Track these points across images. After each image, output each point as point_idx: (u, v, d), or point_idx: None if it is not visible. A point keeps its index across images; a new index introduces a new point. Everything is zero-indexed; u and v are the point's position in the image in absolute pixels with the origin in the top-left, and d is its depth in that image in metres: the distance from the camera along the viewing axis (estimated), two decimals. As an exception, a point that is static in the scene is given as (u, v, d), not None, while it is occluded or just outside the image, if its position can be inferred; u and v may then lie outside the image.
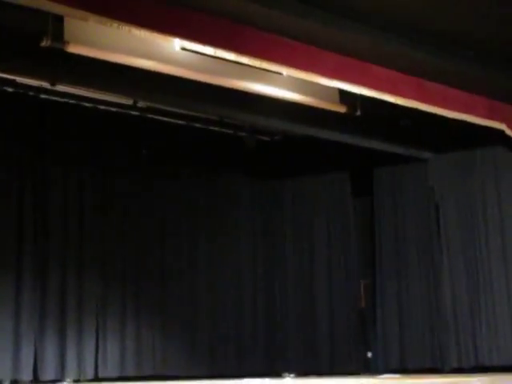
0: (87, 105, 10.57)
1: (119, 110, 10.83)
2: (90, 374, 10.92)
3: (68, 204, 11.17)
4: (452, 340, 11.82)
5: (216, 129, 12.06)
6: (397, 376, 11.19)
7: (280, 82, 9.51)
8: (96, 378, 10.89)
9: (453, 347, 11.79)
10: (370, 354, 12.68)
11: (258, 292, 13.04)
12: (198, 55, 8.31)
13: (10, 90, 9.89)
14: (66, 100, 10.35)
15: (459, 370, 11.57)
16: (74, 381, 10.70)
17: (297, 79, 8.87)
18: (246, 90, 9.45)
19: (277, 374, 12.17)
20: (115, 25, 6.89)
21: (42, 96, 10.16)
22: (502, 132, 10.41)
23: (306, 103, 10.05)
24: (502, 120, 10.30)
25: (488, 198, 11.88)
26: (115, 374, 11.13)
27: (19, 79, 9.66)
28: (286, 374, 12.20)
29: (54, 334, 10.70)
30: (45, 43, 7.62)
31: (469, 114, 9.96)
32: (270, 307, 13.08)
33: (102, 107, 10.67)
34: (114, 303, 11.42)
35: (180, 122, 11.58)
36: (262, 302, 13.05)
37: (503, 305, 11.49)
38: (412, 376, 10.88)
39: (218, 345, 12.34)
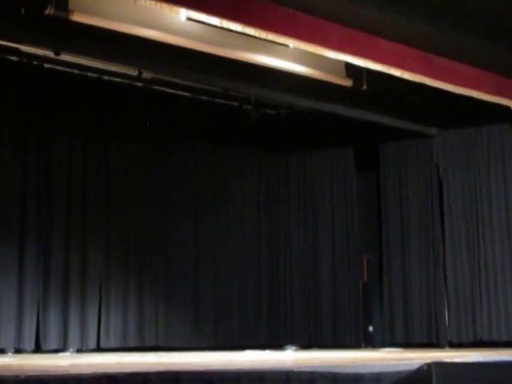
0: (91, 75, 10.51)
1: (124, 80, 10.77)
2: (93, 344, 10.95)
3: (71, 174, 11.15)
4: (452, 315, 11.85)
5: (221, 101, 11.99)
6: (397, 350, 11.21)
7: (286, 55, 9.45)
8: (98, 349, 10.92)
9: (452, 322, 11.84)
10: (371, 328, 12.71)
11: (261, 265, 13.04)
12: (204, 26, 8.26)
13: (14, 59, 9.84)
14: (70, 70, 10.30)
15: (458, 345, 11.61)
16: (77, 351, 10.72)
17: (303, 52, 8.81)
18: (252, 62, 9.40)
19: (279, 347, 12.20)
20: (120, -6, 6.84)
21: (46, 65, 10.11)
22: (508, 109, 10.36)
23: (313, 76, 10.00)
24: (509, 97, 10.24)
25: (493, 175, 11.85)
26: (118, 345, 11.15)
27: (23, 48, 9.60)
28: (288, 347, 12.24)
29: (56, 304, 10.72)
30: (49, 11, 7.56)
31: (476, 91, 9.89)
32: (273, 280, 13.10)
33: (106, 77, 10.61)
34: (117, 274, 11.43)
35: (185, 93, 11.52)
36: (266, 275, 13.06)
37: (505, 281, 11.51)
38: (412, 350, 10.90)
39: (220, 317, 12.36)
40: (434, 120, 12.27)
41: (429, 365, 6.70)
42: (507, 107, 10.33)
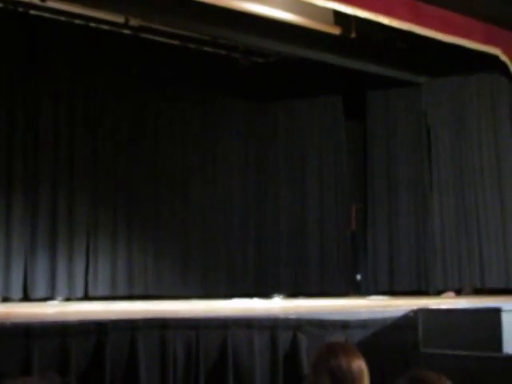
0: (78, 22, 10.38)
1: (111, 27, 10.65)
2: (81, 292, 10.97)
3: (58, 123, 11.07)
4: (439, 263, 11.91)
5: (209, 49, 11.89)
6: (385, 297, 11.31)
7: (275, 2, 9.36)
8: (86, 297, 10.95)
9: (439, 270, 11.91)
10: (359, 277, 12.80)
11: (249, 215, 13.04)
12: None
13: (-2, 5, 9.72)
14: (56, 16, 10.17)
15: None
16: (65, 299, 10.75)
17: (291, -1, 8.73)
18: (241, 9, 9.30)
19: (266, 295, 12.26)
20: None
21: (32, 12, 9.97)
22: (497, 58, 10.33)
23: (301, 24, 9.92)
24: (497, 45, 10.20)
25: (482, 123, 11.81)
26: (106, 293, 11.17)
27: (8, -6, 9.48)
28: (275, 295, 12.30)
29: (44, 252, 10.72)
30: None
31: (465, 39, 9.84)
32: (261, 229, 13.11)
33: (93, 24, 10.49)
34: (106, 222, 11.40)
35: (173, 41, 11.41)
36: (254, 224, 13.06)
37: (493, 230, 11.54)
38: (399, 297, 11.01)
39: (209, 266, 12.38)
40: (422, 68, 12.20)
41: (415, 311, 6.79)
42: (496, 56, 10.29)
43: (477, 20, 9.77)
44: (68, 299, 10.74)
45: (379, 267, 12.46)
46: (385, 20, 8.95)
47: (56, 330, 4.91)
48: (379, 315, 6.88)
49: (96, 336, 5.07)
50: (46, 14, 10.11)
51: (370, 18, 8.88)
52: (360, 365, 3.24)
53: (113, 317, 5.45)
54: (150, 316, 5.65)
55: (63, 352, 4.88)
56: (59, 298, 10.65)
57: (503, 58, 10.53)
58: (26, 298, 10.42)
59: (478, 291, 11.39)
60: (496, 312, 6.14)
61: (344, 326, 6.48)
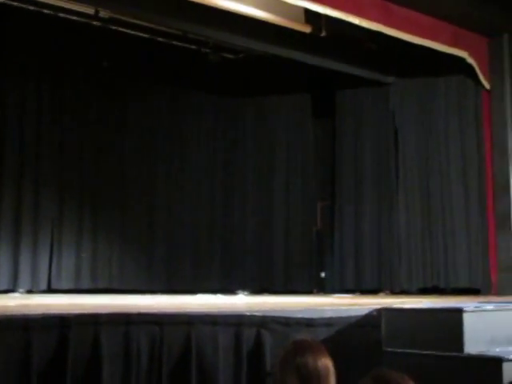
0: (47, 12, 10.28)
1: (80, 18, 10.56)
2: (44, 285, 10.88)
3: (25, 116, 10.97)
4: (404, 263, 11.98)
5: (179, 44, 11.85)
6: (349, 296, 11.36)
7: (246, -1, 9.37)
8: (49, 290, 10.86)
9: (404, 270, 11.98)
10: (323, 274, 12.83)
11: (215, 210, 13.03)
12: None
13: (-35, -6, 9.59)
14: (24, 6, 10.06)
15: (410, 293, 11.76)
16: (27, 292, 10.64)
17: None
18: (212, 5, 9.29)
19: (231, 292, 12.26)
20: None
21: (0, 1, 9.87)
22: (464, 60, 10.44)
23: (272, 21, 9.93)
24: (464, 47, 10.31)
25: (450, 125, 11.87)
26: (70, 286, 11.09)
27: (-25, -18, 9.36)
28: (240, 292, 12.31)
29: (7, 244, 10.61)
30: None
31: (433, 41, 9.94)
32: (226, 226, 13.11)
33: (62, 15, 10.39)
34: (71, 215, 11.33)
35: (143, 34, 11.35)
36: (220, 220, 13.05)
37: (458, 230, 11.62)
38: (364, 296, 11.05)
39: (174, 261, 12.36)
40: (391, 68, 12.26)
41: (378, 310, 6.82)
42: (463, 58, 10.39)
43: (445, 22, 9.87)
44: (30, 292, 10.64)
45: (345, 265, 12.50)
46: (355, 20, 9.01)
47: (17, 324, 4.85)
48: (343, 313, 6.89)
49: (59, 330, 5.01)
50: (15, 3, 9.99)
51: (341, 18, 8.92)
52: (326, 363, 3.25)
53: (76, 311, 5.41)
54: (113, 311, 5.61)
55: (24, 346, 4.83)
56: (21, 291, 10.54)
57: (470, 60, 10.65)
58: (-13, 290, 10.33)
59: (442, 291, 11.49)
60: (458, 312, 6.18)
61: (308, 323, 6.48)
